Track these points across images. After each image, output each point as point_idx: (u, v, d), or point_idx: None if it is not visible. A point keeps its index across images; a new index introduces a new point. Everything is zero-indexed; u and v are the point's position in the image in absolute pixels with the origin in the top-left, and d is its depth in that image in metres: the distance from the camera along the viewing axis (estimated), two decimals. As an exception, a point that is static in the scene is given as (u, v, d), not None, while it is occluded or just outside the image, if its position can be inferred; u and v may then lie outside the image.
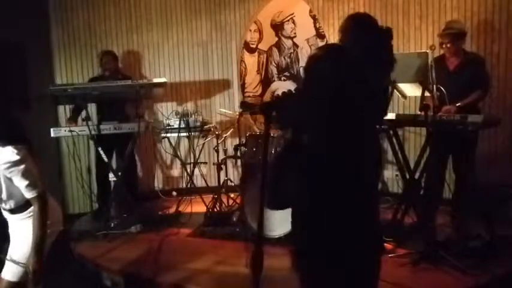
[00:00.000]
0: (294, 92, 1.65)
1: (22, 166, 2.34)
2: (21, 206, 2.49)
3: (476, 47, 4.57)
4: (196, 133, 4.97)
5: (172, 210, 4.98)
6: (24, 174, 2.34)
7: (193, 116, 4.90)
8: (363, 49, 2.32)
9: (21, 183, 2.35)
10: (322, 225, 1.65)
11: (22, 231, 2.50)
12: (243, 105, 4.48)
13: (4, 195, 2.45)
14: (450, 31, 3.95)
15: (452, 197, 4.16)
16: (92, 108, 5.06)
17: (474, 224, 3.81)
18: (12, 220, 2.57)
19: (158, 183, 5.90)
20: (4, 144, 2.33)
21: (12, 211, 2.52)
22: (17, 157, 2.33)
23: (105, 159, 4.51)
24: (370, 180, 1.70)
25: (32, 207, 2.42)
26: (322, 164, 1.58)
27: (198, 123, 4.88)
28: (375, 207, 1.75)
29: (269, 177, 1.66)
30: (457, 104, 3.74)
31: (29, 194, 2.37)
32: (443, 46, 3.93)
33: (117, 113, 4.80)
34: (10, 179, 2.38)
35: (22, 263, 2.43)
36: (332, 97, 1.62)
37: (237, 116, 4.67)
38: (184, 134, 4.92)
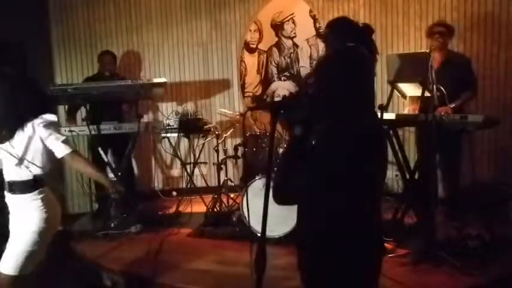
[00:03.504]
0: (302, 93, 1.69)
1: (58, 127, 2.57)
2: (33, 183, 2.49)
3: (476, 47, 4.58)
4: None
5: (172, 210, 4.97)
6: (60, 132, 2.52)
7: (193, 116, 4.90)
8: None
9: (57, 141, 2.46)
10: (325, 223, 1.65)
11: (28, 216, 2.48)
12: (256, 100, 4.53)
13: (30, 157, 2.46)
14: (440, 29, 3.97)
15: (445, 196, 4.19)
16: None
17: (474, 223, 3.81)
18: (17, 204, 2.51)
19: (158, 183, 5.89)
20: (42, 113, 2.50)
21: (24, 188, 2.48)
22: (55, 119, 2.53)
23: (105, 159, 4.51)
24: (375, 180, 1.70)
25: (39, 190, 2.50)
26: (328, 163, 1.58)
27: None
28: (377, 209, 1.75)
29: (276, 172, 1.68)
30: (452, 106, 3.75)
31: (64, 151, 2.47)
32: (434, 38, 3.95)
33: (114, 113, 4.81)
34: (42, 143, 2.46)
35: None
36: (342, 97, 1.64)
37: (240, 116, 4.67)
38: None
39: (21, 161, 2.43)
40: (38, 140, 2.44)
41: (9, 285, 2.46)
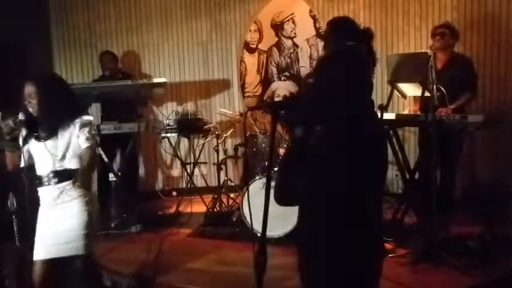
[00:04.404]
0: (302, 93, 1.69)
1: (92, 126, 2.83)
2: (73, 171, 2.71)
3: (476, 48, 4.57)
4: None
5: (172, 210, 4.98)
6: (91, 132, 2.77)
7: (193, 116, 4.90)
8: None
9: (85, 137, 2.70)
10: (325, 223, 1.65)
11: (75, 201, 2.69)
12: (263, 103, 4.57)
13: (70, 154, 2.69)
14: (442, 30, 3.97)
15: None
16: (94, 108, 5.07)
17: (474, 223, 3.81)
18: (62, 193, 2.68)
19: (158, 183, 5.90)
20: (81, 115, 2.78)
21: (64, 175, 2.67)
22: (92, 119, 2.87)
23: (105, 160, 4.51)
24: (375, 182, 1.70)
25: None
26: (328, 163, 1.58)
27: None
28: (377, 209, 1.75)
29: (278, 173, 1.68)
30: (452, 107, 3.75)
31: (86, 144, 2.69)
32: (435, 39, 3.94)
33: (119, 112, 4.80)
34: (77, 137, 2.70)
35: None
36: (342, 97, 1.64)
37: (240, 116, 4.66)
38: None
39: (63, 156, 2.67)
40: (76, 137, 2.69)
41: (83, 265, 2.76)
